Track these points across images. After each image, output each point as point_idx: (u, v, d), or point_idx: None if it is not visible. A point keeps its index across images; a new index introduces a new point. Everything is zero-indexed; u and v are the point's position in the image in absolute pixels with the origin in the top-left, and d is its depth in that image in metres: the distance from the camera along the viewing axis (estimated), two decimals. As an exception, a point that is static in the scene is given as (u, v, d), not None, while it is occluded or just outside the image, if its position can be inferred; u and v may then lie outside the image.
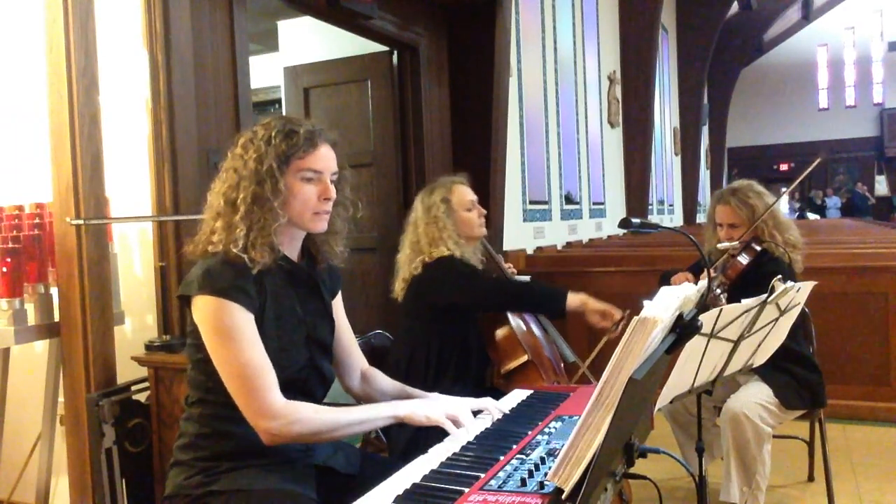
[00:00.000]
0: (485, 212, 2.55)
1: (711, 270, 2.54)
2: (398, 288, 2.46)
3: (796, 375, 2.56)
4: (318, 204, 1.54)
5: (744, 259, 2.64)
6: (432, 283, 2.37)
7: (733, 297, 2.45)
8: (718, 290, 2.54)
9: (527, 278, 4.62)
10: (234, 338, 1.42)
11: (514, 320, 2.39)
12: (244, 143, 1.55)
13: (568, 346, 2.58)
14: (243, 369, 1.42)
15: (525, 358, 2.31)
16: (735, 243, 2.68)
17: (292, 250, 1.60)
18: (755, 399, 2.47)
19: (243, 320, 1.44)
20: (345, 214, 1.66)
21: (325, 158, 1.55)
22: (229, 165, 1.55)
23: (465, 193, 2.51)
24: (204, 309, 1.45)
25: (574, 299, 2.32)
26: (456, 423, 1.52)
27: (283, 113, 5.06)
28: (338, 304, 1.76)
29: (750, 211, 2.68)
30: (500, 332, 2.38)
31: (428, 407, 1.54)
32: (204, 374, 1.50)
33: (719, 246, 2.71)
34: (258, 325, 1.47)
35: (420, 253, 2.41)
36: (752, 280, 2.46)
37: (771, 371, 2.50)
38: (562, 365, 2.52)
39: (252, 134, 1.55)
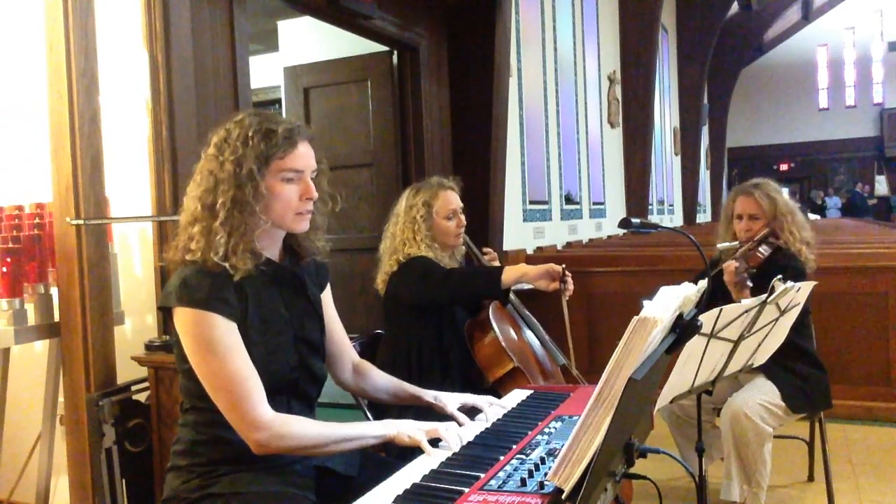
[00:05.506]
0: (464, 223, 2.53)
1: (735, 261, 2.55)
2: (380, 280, 2.49)
3: (805, 376, 2.56)
4: (300, 204, 1.50)
5: (764, 251, 2.64)
6: (403, 282, 2.39)
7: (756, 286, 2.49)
8: (746, 275, 2.54)
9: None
10: (216, 350, 1.39)
11: (499, 326, 2.36)
12: (218, 143, 1.48)
13: (559, 349, 2.56)
14: (227, 382, 1.39)
15: (512, 365, 2.29)
16: (735, 243, 2.68)
17: (274, 250, 1.57)
18: (757, 399, 2.47)
19: (224, 331, 1.40)
20: (324, 209, 1.62)
21: (304, 157, 1.50)
22: (203, 167, 1.49)
23: (449, 201, 2.48)
24: (184, 321, 1.41)
25: (511, 273, 2.28)
26: (437, 439, 1.47)
27: (284, 113, 5.04)
28: (327, 298, 1.72)
29: (772, 204, 2.70)
30: (485, 341, 2.35)
31: (414, 428, 1.49)
32: (193, 382, 1.45)
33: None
34: (242, 331, 1.43)
35: (395, 250, 2.44)
36: (767, 274, 2.46)
37: (780, 372, 2.50)
38: (553, 368, 2.50)
39: (226, 133, 1.48)
